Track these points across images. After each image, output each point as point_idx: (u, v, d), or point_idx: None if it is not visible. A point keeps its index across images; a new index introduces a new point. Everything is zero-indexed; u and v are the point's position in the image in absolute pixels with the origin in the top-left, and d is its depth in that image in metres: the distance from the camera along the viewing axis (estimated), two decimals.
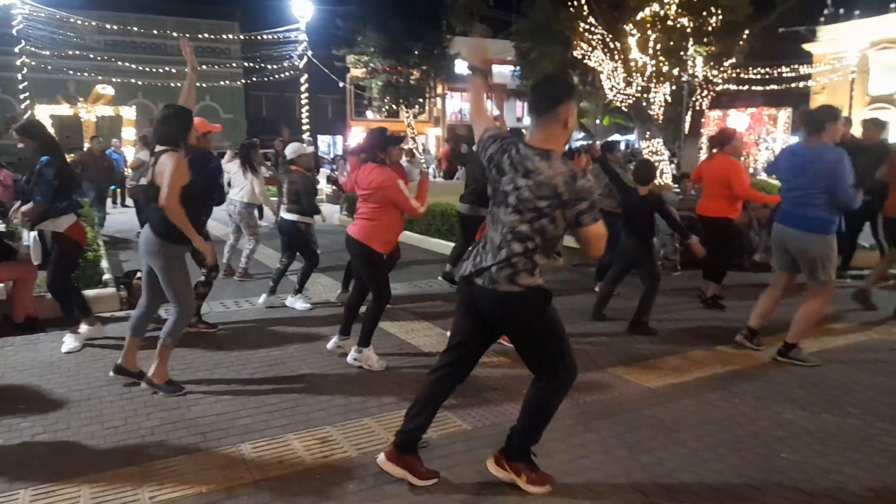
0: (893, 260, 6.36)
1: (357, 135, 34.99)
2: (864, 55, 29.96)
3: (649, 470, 3.08)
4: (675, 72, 16.27)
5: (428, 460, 3.02)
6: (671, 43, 15.60)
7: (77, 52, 23.03)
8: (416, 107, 29.18)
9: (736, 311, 5.95)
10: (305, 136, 16.93)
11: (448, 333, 3.61)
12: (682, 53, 15.96)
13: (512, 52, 25.50)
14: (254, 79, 27.02)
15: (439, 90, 34.98)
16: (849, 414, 3.74)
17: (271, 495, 2.84)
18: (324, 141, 34.85)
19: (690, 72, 16.57)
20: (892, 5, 29.76)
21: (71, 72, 23.59)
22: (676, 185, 10.98)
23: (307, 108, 17.78)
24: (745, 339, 4.92)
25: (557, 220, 2.63)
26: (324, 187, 16.94)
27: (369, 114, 34.14)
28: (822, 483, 2.96)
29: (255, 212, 7.79)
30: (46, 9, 16.51)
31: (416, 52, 26.86)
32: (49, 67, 20.08)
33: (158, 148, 3.95)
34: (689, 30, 15.53)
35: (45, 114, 17.84)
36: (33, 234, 5.04)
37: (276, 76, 24.06)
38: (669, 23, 15.36)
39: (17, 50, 13.37)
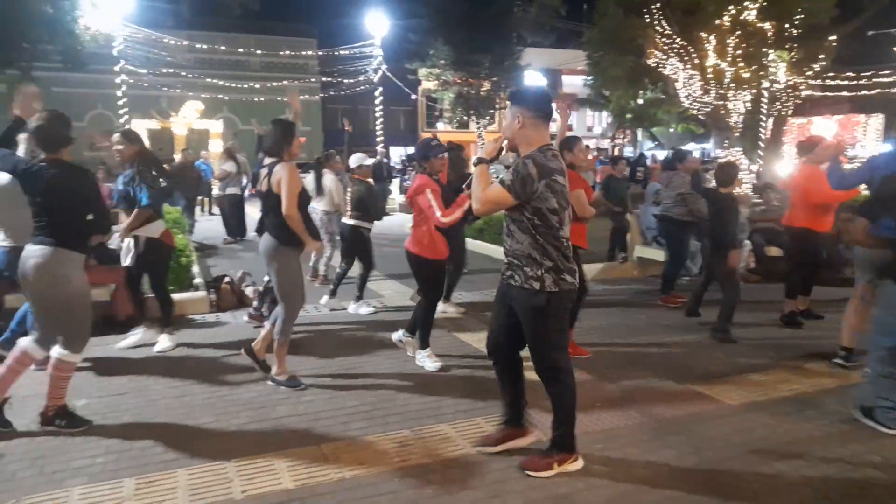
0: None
1: None
2: None
3: (727, 489, 3.05)
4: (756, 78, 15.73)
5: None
6: (750, 49, 15.11)
7: (169, 70, 24.54)
8: (486, 117, 29.37)
9: (814, 327, 5.77)
10: (379, 147, 17.37)
11: None
12: (762, 59, 15.43)
13: (583, 62, 25.29)
14: (331, 93, 27.91)
15: None
16: None
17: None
18: (396, 152, 35.54)
19: (772, 78, 15.96)
20: None
21: (164, 88, 25.14)
22: (758, 196, 10.61)
23: (381, 119, 18.25)
24: (843, 361, 4.71)
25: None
26: (396, 197, 17.33)
27: (440, 125, 34.61)
28: None
29: (335, 219, 8.03)
30: (143, 30, 17.72)
31: (486, 64, 27.09)
32: (145, 84, 21.46)
33: (268, 160, 4.23)
34: (769, 34, 15.01)
35: (141, 127, 19.07)
36: (128, 239, 5.06)
37: (352, 90, 24.80)
38: (749, 28, 14.89)
39: (116, 69, 14.40)
